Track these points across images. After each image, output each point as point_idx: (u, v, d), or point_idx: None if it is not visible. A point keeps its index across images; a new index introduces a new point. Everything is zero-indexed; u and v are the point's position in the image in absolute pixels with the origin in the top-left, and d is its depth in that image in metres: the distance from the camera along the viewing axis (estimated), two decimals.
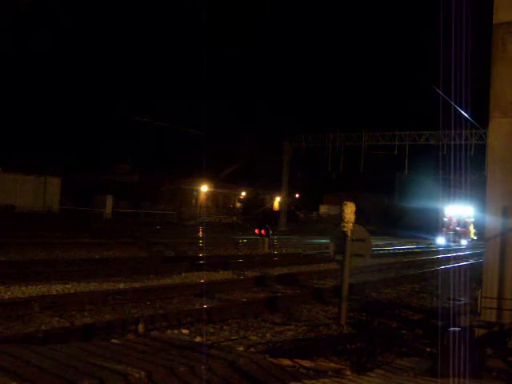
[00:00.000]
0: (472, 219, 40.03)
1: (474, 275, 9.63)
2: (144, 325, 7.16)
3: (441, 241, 36.90)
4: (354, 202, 8.17)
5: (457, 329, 6.18)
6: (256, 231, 24.15)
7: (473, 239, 39.32)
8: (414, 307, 10.39)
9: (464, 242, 37.81)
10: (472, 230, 39.74)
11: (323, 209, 76.65)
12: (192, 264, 15.18)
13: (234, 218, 52.30)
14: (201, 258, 17.17)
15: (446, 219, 40.01)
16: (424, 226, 46.00)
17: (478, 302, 6.69)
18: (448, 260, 22.43)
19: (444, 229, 39.16)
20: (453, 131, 44.41)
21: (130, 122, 43.49)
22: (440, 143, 45.17)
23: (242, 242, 23.76)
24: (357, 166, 47.37)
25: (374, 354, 6.18)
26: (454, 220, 39.56)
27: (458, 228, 39.12)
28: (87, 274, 12.14)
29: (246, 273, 14.47)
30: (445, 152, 45.38)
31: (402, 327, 8.00)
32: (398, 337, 7.13)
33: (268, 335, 7.35)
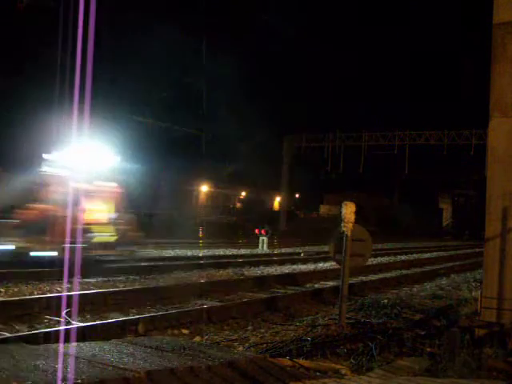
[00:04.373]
0: (113, 190, 14.50)
1: None
2: (144, 325, 7.18)
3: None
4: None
5: (457, 329, 6.19)
6: (256, 231, 24.21)
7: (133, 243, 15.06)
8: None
9: (53, 253, 12.20)
10: (112, 226, 14.07)
11: (323, 209, 76.58)
12: (192, 264, 15.19)
13: (234, 218, 52.27)
14: (201, 258, 17.19)
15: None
16: None
17: (478, 302, 6.69)
18: None
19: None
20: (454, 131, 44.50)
21: (130, 121, 43.37)
22: (440, 143, 45.31)
23: (242, 242, 23.80)
24: (357, 166, 47.46)
25: (374, 353, 6.18)
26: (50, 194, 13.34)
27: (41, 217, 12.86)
28: (87, 274, 12.12)
29: (245, 273, 14.47)
30: (445, 153, 45.37)
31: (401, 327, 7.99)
32: (397, 337, 7.13)
33: (268, 335, 7.34)
